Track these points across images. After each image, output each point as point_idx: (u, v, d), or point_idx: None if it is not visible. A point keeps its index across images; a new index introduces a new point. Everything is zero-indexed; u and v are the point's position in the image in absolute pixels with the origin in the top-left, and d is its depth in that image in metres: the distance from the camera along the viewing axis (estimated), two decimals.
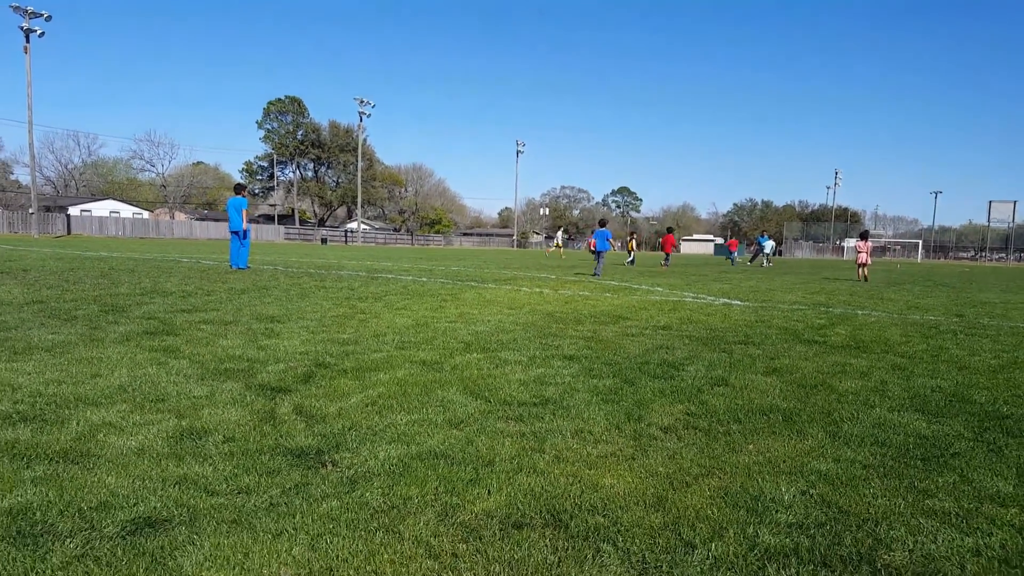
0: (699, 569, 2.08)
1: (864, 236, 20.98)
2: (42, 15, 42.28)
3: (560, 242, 45.30)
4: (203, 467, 2.72)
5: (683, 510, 2.50)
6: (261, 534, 2.17)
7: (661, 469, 2.92)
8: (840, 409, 4.03)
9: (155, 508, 2.34)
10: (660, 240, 31.21)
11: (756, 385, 4.61)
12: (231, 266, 15.14)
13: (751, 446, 3.28)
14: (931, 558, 2.20)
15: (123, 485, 2.52)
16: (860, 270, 20.08)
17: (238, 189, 16.11)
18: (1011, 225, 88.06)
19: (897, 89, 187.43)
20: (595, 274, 18.45)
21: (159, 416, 3.39)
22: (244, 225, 15.12)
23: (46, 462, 2.72)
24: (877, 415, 3.92)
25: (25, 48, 42.08)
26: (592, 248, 20.45)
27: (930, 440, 3.46)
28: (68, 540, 2.09)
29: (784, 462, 3.06)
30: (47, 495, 2.40)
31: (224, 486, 2.55)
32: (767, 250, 36.84)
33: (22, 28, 41.71)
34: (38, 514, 2.25)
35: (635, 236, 30.85)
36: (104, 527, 2.18)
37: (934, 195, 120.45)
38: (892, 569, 2.12)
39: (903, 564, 2.15)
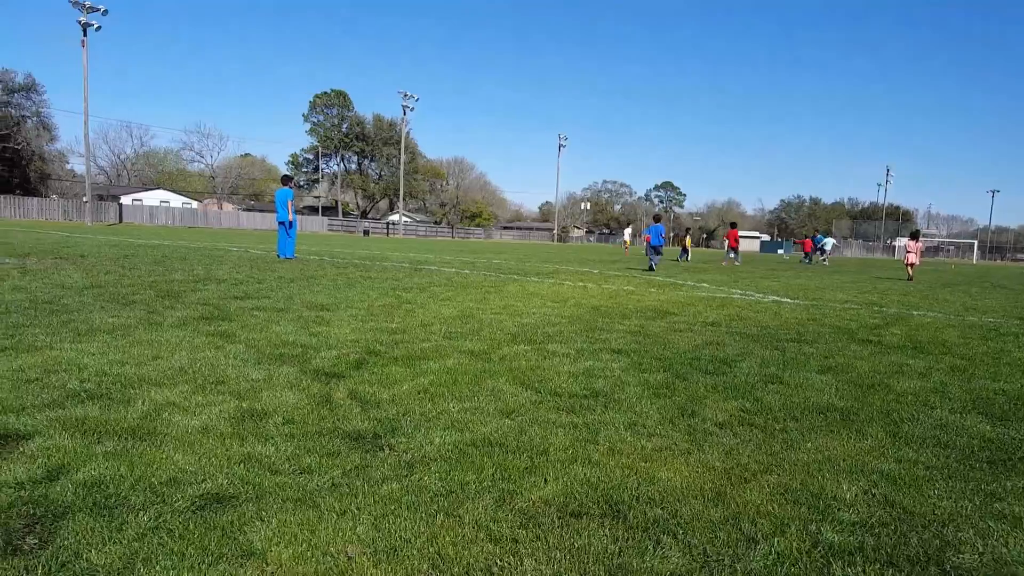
0: (762, 564, 2.05)
1: (915, 236, 21.29)
2: (99, 10, 43.62)
3: (628, 239, 45.20)
4: (265, 447, 2.79)
5: (743, 505, 2.46)
6: (326, 512, 2.22)
7: (718, 464, 2.89)
8: (899, 409, 3.94)
9: (222, 485, 2.40)
10: (724, 235, 31.20)
11: (811, 383, 4.52)
12: (278, 255, 15.47)
13: (809, 444, 3.23)
14: (1003, 562, 2.14)
15: (190, 462, 2.59)
16: (909, 269, 20.64)
17: (285, 180, 16.44)
18: None
19: (953, 83, 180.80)
20: (650, 268, 18.69)
21: (220, 397, 3.49)
22: (291, 216, 15.43)
23: (115, 438, 2.81)
24: (938, 416, 3.83)
25: (82, 42, 43.52)
26: (647, 243, 20.65)
27: (995, 443, 3.36)
28: (141, 513, 2.16)
29: (844, 461, 3.01)
30: (119, 469, 2.48)
31: (287, 466, 2.61)
32: (828, 248, 36.56)
33: (80, 22, 43.11)
34: (111, 487, 2.33)
35: (690, 232, 31.06)
36: (175, 501, 2.25)
37: (991, 194, 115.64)
38: (962, 571, 2.07)
39: (973, 567, 2.10)
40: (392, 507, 2.28)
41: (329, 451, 2.78)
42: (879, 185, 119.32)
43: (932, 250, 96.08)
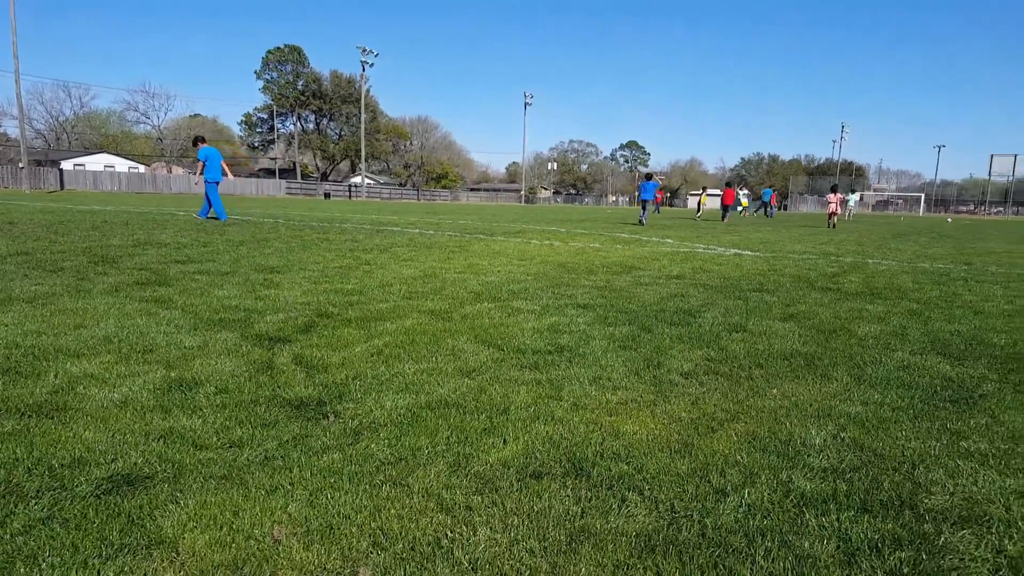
0: (733, 517, 1.92)
1: (834, 189, 25.43)
2: None
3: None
4: (192, 420, 2.52)
5: (710, 456, 2.33)
6: (253, 490, 1.98)
7: (684, 415, 2.75)
8: (862, 353, 3.92)
9: (135, 464, 2.13)
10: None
11: (774, 331, 4.46)
12: (219, 218, 14.84)
13: (775, 390, 3.14)
14: (974, 501, 2.07)
15: (101, 440, 2.30)
16: (831, 218, 24.41)
17: (203, 140, 15.63)
18: (1011, 179, 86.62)
19: (905, 42, 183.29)
20: (640, 222, 21.15)
21: (146, 367, 3.17)
22: (225, 175, 15.02)
23: (16, 416, 2.49)
24: (900, 358, 3.82)
25: None
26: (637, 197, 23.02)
27: (956, 382, 3.36)
28: (33, 501, 1.88)
29: (811, 406, 2.93)
30: (14, 452, 2.18)
31: (214, 439, 2.35)
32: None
33: None
34: (1, 473, 2.04)
35: (705, 191, 33.35)
36: (76, 486, 1.97)
37: (937, 149, 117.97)
38: (936, 513, 1.98)
39: (946, 507, 2.02)
40: (331, 480, 2.05)
41: (265, 421, 2.52)
42: (834, 141, 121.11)
43: (882, 204, 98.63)
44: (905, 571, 1.69)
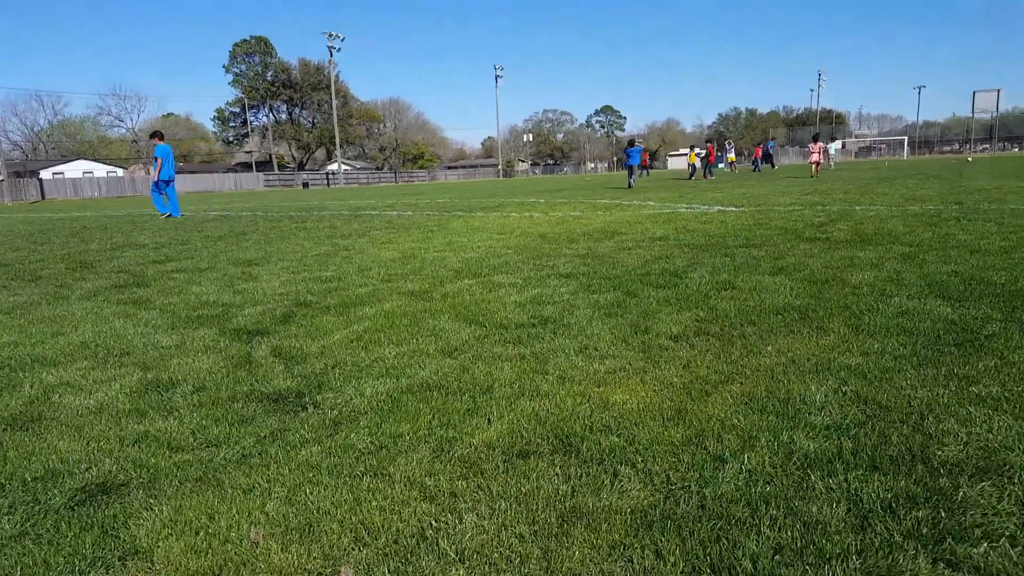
0: (733, 485, 1.82)
1: (815, 138, 25.27)
2: None
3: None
4: (167, 421, 2.43)
5: (706, 421, 2.24)
6: (230, 491, 1.89)
7: (676, 380, 2.66)
8: (857, 302, 3.80)
9: (110, 472, 2.04)
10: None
11: (765, 285, 4.36)
12: (174, 215, 14.69)
13: (770, 347, 3.03)
14: (991, 449, 1.94)
15: (75, 449, 2.22)
16: (814, 167, 24.19)
17: (162, 136, 15.33)
18: (995, 115, 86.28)
19: None
20: (629, 185, 22.19)
21: (123, 371, 3.08)
22: (157, 174, 14.72)
23: None
24: (898, 304, 3.70)
25: None
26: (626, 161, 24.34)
27: (959, 325, 3.23)
28: (6, 519, 1.80)
29: (808, 360, 2.81)
30: None
31: (191, 440, 2.26)
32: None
33: None
34: None
35: (693, 150, 34.28)
36: (49, 499, 1.89)
37: (917, 90, 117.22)
38: (951, 466, 1.85)
39: (962, 459, 1.89)
40: (310, 475, 1.97)
41: (242, 418, 2.43)
42: (812, 90, 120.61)
43: (865, 150, 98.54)
44: (924, 531, 1.57)
